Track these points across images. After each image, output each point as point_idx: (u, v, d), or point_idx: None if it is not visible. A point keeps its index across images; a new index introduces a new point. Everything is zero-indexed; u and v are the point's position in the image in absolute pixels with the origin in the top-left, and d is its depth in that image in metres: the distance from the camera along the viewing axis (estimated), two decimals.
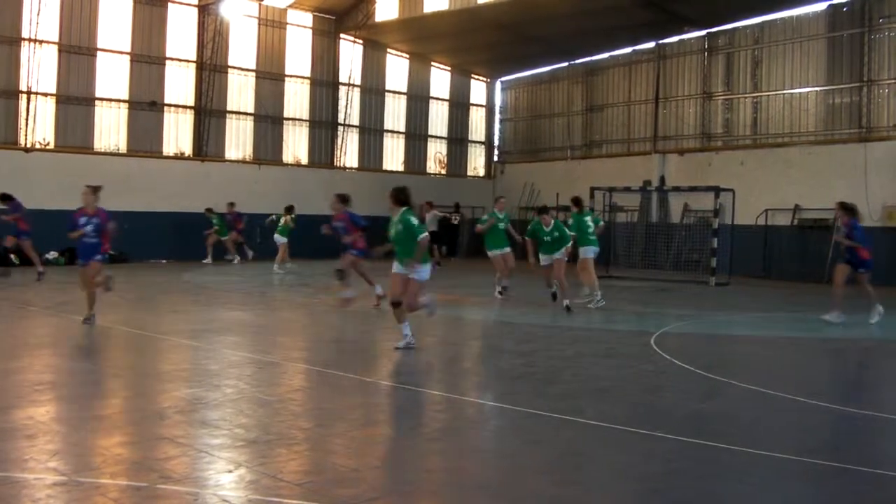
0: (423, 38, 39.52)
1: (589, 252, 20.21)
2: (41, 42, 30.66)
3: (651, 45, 37.84)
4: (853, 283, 18.01)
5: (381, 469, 7.05)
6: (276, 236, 28.68)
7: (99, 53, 32.23)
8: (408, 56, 41.48)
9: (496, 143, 45.77)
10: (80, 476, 6.50)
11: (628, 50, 39.01)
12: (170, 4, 33.84)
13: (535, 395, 10.08)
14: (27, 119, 30.45)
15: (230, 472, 6.78)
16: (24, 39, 30.35)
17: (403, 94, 41.72)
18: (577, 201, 20.93)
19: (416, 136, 42.39)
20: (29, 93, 30.47)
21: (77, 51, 31.60)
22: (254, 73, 36.51)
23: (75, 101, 31.67)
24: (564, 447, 7.91)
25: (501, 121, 45.57)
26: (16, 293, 20.81)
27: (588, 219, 20.62)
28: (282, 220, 28.87)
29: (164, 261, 31.14)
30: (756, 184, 31.82)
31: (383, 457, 7.46)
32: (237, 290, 22.64)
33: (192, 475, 6.74)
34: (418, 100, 42.27)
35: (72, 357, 12.23)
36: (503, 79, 45.06)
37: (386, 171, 40.67)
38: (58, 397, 9.50)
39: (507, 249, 20.88)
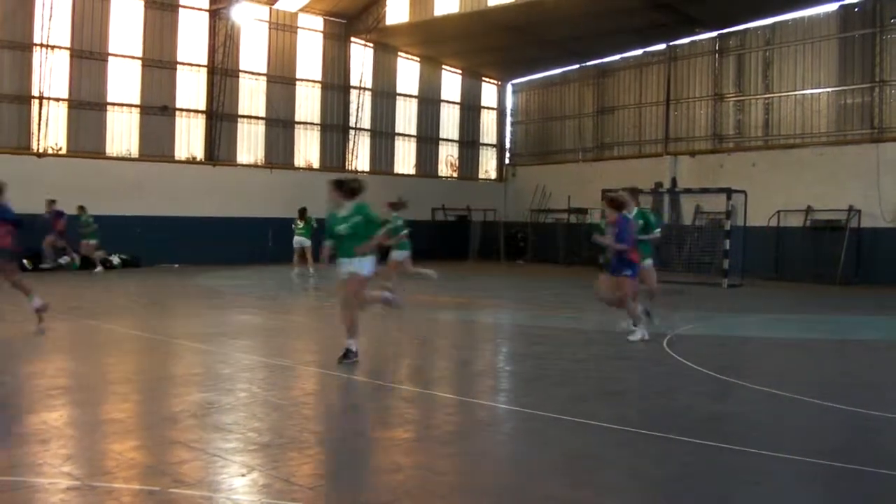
0: (433, 41, 39.57)
1: (402, 255, 20.96)
2: (53, 47, 30.78)
3: (662, 46, 37.86)
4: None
5: (393, 472, 7.04)
6: (300, 239, 28.53)
7: (110, 58, 32.36)
8: (419, 59, 41.54)
9: (507, 145, 45.78)
10: (94, 480, 6.51)
11: (639, 52, 39.04)
12: (181, 9, 33.94)
13: (548, 398, 10.07)
14: (40, 124, 30.56)
15: (243, 475, 6.78)
16: (36, 45, 30.48)
17: (414, 97, 41.77)
18: (394, 204, 21.65)
19: (428, 139, 42.45)
20: (41, 98, 30.59)
21: (89, 56, 31.72)
22: (265, 78, 36.59)
23: (87, 106, 31.78)
24: (577, 450, 7.89)
25: (513, 123, 45.61)
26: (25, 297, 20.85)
27: (401, 223, 21.33)
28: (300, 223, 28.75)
29: (176, 265, 31.18)
30: (768, 185, 31.76)
31: (396, 460, 7.45)
32: (249, 294, 22.67)
33: (205, 479, 6.74)
34: (429, 103, 42.33)
35: (85, 361, 12.25)
36: (514, 81, 45.10)
37: (398, 175, 40.75)
38: (71, 401, 9.51)
39: (648, 262, 15.84)
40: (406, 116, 41.66)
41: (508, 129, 45.76)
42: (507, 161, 45.64)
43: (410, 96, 41.70)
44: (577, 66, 41.56)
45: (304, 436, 8.06)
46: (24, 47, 30.38)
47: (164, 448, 7.57)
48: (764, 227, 31.54)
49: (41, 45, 30.58)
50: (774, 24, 34.23)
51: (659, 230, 14.89)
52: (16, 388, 10.12)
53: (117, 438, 7.87)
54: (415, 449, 7.88)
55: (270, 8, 36.28)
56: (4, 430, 8.10)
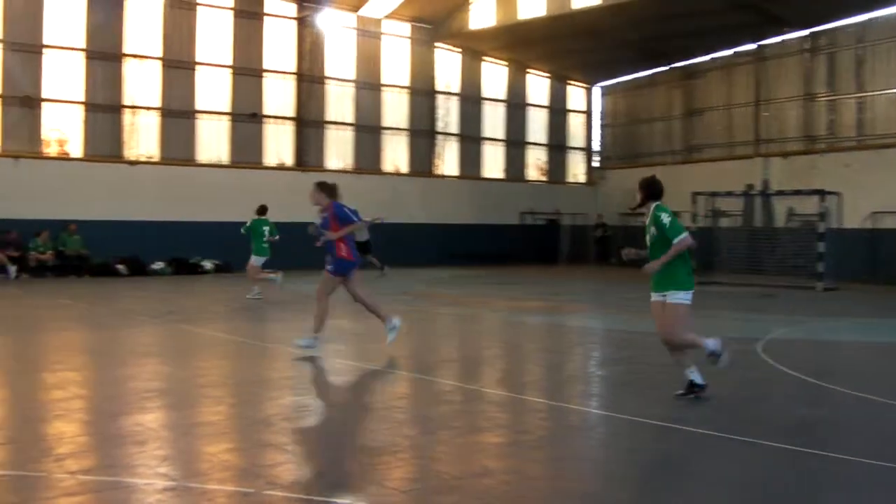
0: (519, 44, 39.47)
1: (258, 261, 22.05)
2: (144, 58, 31.31)
3: (751, 46, 37.36)
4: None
5: (483, 476, 7.03)
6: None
7: (200, 67, 32.80)
8: (505, 63, 41.45)
9: (596, 148, 45.53)
10: (189, 481, 6.59)
11: (728, 52, 38.56)
12: (268, 17, 34.32)
13: (636, 403, 9.98)
14: (132, 133, 31.09)
15: (336, 478, 6.82)
16: (127, 55, 31.05)
17: (502, 101, 41.68)
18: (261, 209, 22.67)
19: (516, 143, 42.31)
20: (133, 107, 31.13)
21: (178, 65, 32.19)
22: (352, 84, 36.79)
23: (178, 115, 32.24)
24: (665, 455, 7.82)
25: (601, 126, 45.31)
26: (122, 302, 21.26)
27: (266, 228, 22.21)
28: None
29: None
30: (862, 186, 31.15)
31: (486, 464, 7.44)
32: (337, 299, 22.77)
33: (299, 482, 6.79)
34: (516, 107, 42.20)
35: (179, 365, 12.41)
36: (602, 84, 44.80)
37: (485, 179, 40.72)
38: (165, 404, 9.66)
39: (679, 295, 9.99)
40: (493, 121, 41.58)
41: (597, 132, 45.50)
42: (596, 164, 45.41)
43: (497, 101, 41.64)
44: (664, 67, 41.22)
45: (396, 440, 8.09)
46: (115, 58, 30.96)
47: (257, 450, 7.65)
48: (859, 228, 30.97)
49: (132, 56, 31.16)
50: (866, 21, 33.61)
51: (685, 234, 9.88)
52: (113, 392, 10.30)
53: (211, 441, 7.96)
54: (505, 453, 7.86)
55: (356, 15, 36.48)
56: (103, 432, 8.25)
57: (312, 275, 28.21)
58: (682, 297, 9.94)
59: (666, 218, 9.89)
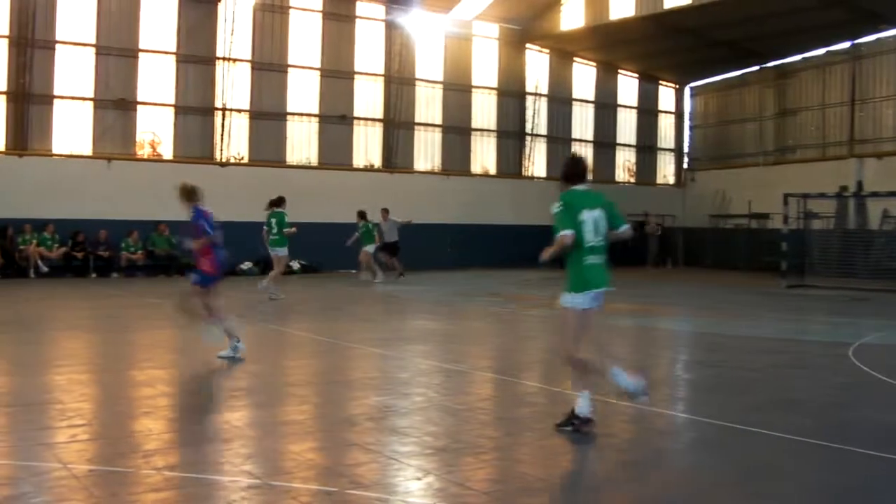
0: (609, 45, 39.22)
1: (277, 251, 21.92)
2: (235, 61, 31.68)
3: (846, 45, 36.67)
4: None
5: (567, 479, 6.97)
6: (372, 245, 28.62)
7: (290, 70, 33.12)
8: (594, 64, 41.21)
9: (686, 149, 45.04)
10: (273, 479, 6.64)
11: (822, 51, 37.90)
12: (357, 20, 34.51)
13: (725, 407, 9.83)
14: (222, 135, 31.50)
15: (419, 479, 6.81)
16: (219, 59, 31.45)
17: (591, 102, 41.44)
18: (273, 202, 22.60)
19: (605, 144, 42.04)
20: (224, 109, 31.51)
21: (269, 68, 32.54)
22: (441, 85, 36.84)
23: (268, 117, 32.60)
24: (753, 460, 7.67)
25: (691, 127, 44.81)
26: None
27: (273, 220, 22.13)
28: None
29: (354, 271, 31.59)
30: None
31: (570, 467, 7.39)
32: (425, 300, 22.85)
33: (382, 482, 6.80)
34: (606, 108, 41.93)
35: (266, 364, 12.50)
36: (692, 84, 44.32)
37: None
38: (252, 403, 9.75)
39: (564, 299, 9.24)
40: (582, 122, 41.36)
41: (687, 133, 45.02)
42: (685, 165, 44.93)
43: (587, 101, 41.41)
44: (756, 67, 40.67)
45: (480, 441, 8.05)
46: (207, 61, 31.40)
47: (341, 450, 7.68)
48: None
49: (224, 59, 31.55)
50: None
51: (562, 232, 8.95)
52: (199, 389, 10.41)
53: (296, 439, 8.01)
54: (590, 456, 7.80)
55: (445, 16, 36.52)
56: (189, 429, 8.34)
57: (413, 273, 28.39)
58: (566, 300, 8.92)
59: (556, 208, 8.94)
